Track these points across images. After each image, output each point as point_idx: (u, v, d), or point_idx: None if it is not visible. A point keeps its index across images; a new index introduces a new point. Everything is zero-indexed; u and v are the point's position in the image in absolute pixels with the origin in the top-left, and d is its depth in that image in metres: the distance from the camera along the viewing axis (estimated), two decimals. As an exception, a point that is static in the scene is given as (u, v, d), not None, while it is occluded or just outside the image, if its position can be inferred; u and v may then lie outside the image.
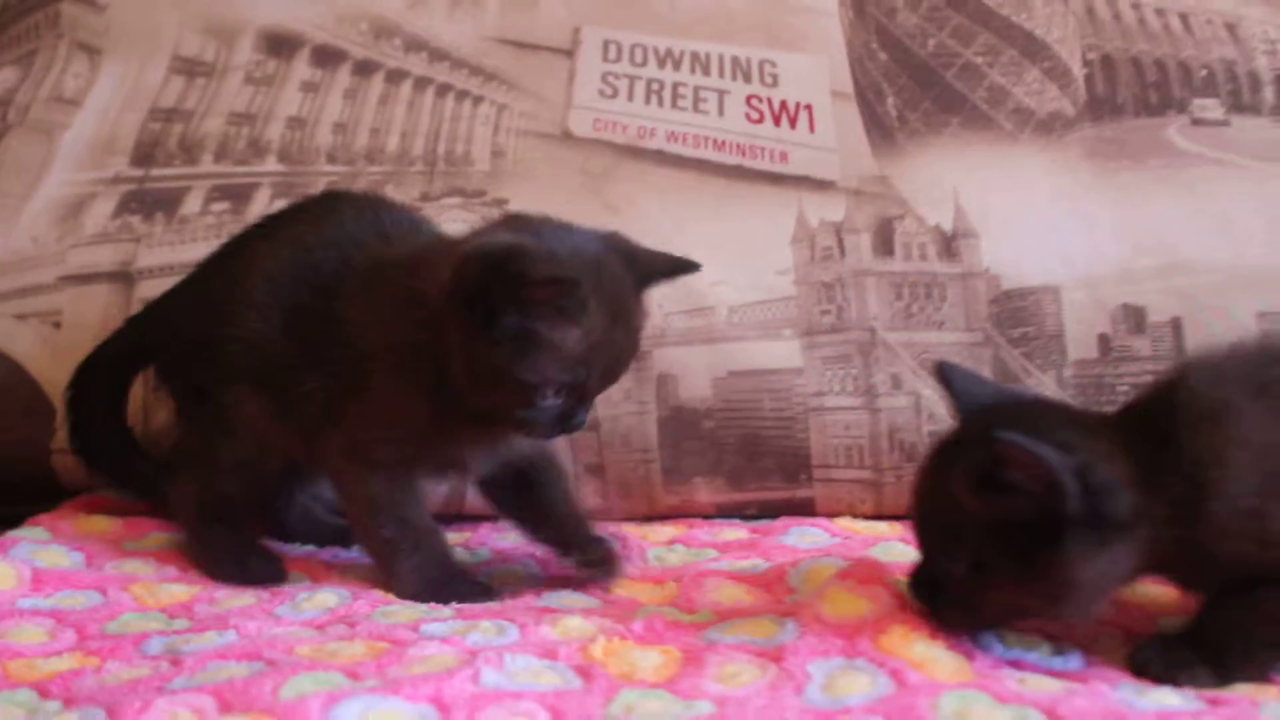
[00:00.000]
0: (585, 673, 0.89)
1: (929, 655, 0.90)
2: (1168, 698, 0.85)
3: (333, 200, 1.22)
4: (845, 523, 1.29)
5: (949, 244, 1.35)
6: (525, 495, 1.15)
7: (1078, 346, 1.31)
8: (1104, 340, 1.31)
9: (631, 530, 1.29)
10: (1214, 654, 0.89)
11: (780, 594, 1.08)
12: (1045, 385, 1.30)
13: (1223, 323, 1.29)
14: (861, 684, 0.86)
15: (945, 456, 0.94)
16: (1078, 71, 1.46)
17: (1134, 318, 1.31)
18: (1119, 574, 0.90)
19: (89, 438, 1.26)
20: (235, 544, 1.18)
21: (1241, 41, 1.49)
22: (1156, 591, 0.98)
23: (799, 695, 0.85)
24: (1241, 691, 0.87)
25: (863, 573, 1.00)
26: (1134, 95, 1.45)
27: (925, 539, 0.94)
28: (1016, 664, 0.92)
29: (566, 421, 1.05)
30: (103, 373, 1.26)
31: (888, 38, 1.50)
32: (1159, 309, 1.31)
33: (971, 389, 0.97)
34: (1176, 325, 1.31)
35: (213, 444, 1.17)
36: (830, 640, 0.92)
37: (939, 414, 1.30)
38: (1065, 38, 1.49)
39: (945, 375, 0.98)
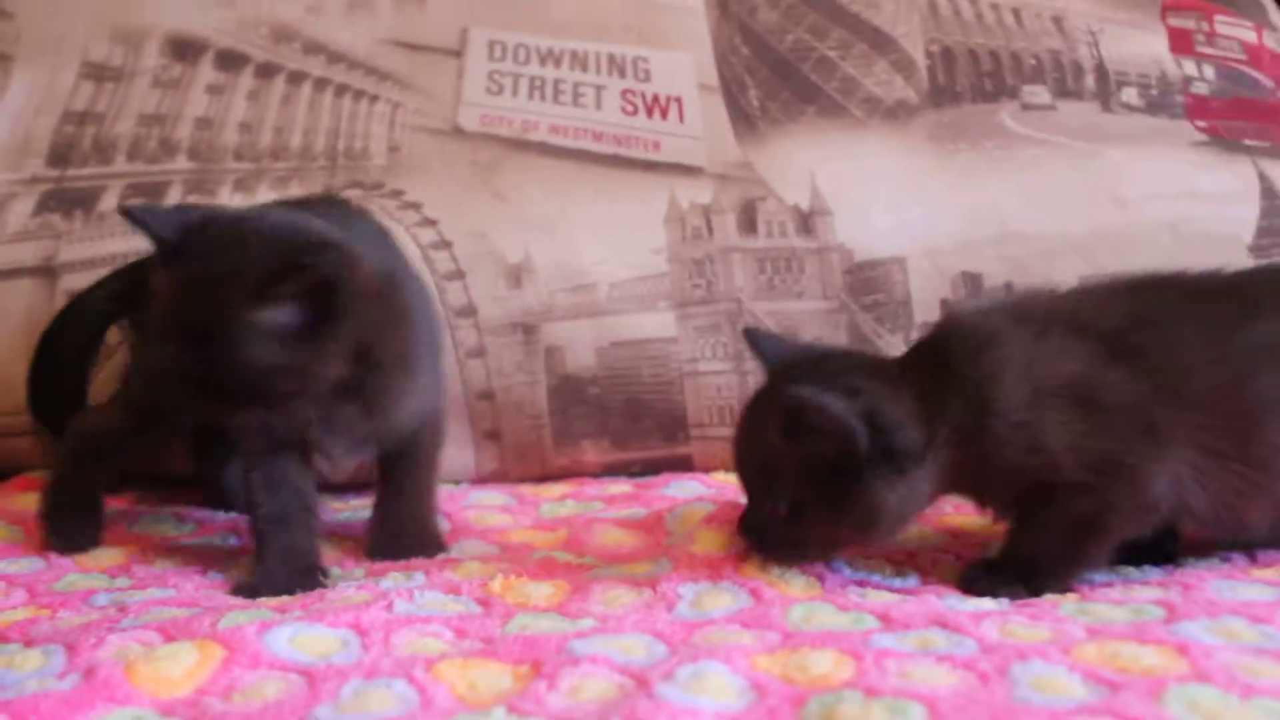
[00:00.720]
0: (485, 603, 1.02)
1: (784, 578, 1.04)
2: (985, 604, 0.99)
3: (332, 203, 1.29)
4: (720, 476, 1.43)
5: (806, 221, 1.49)
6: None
7: (923, 310, 1.46)
8: (946, 304, 1.46)
9: (527, 489, 1.42)
10: (1025, 570, 1.03)
11: (659, 536, 1.21)
12: (895, 346, 1.44)
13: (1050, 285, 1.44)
14: (724, 600, 1.00)
15: (757, 410, 1.06)
16: (921, 63, 1.61)
17: (972, 283, 1.46)
18: (919, 498, 1.03)
19: (48, 387, 1.34)
20: (74, 499, 1.24)
21: (1067, 34, 1.64)
22: (984, 523, 1.12)
23: (670, 611, 0.98)
24: (1048, 597, 1.01)
25: (727, 515, 1.15)
26: (971, 84, 1.60)
27: (748, 486, 1.07)
28: (861, 583, 1.06)
29: None
30: (80, 318, 1.34)
31: (750, 34, 1.63)
32: (993, 274, 1.46)
33: (774, 348, 1.10)
34: (1009, 288, 1.45)
35: (130, 385, 1.25)
36: (699, 569, 1.06)
37: (800, 375, 1.44)
38: (910, 32, 1.63)
39: (751, 339, 1.11)
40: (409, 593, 1.02)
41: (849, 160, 1.53)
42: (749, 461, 1.06)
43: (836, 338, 1.45)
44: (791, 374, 1.04)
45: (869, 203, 1.50)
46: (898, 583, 1.06)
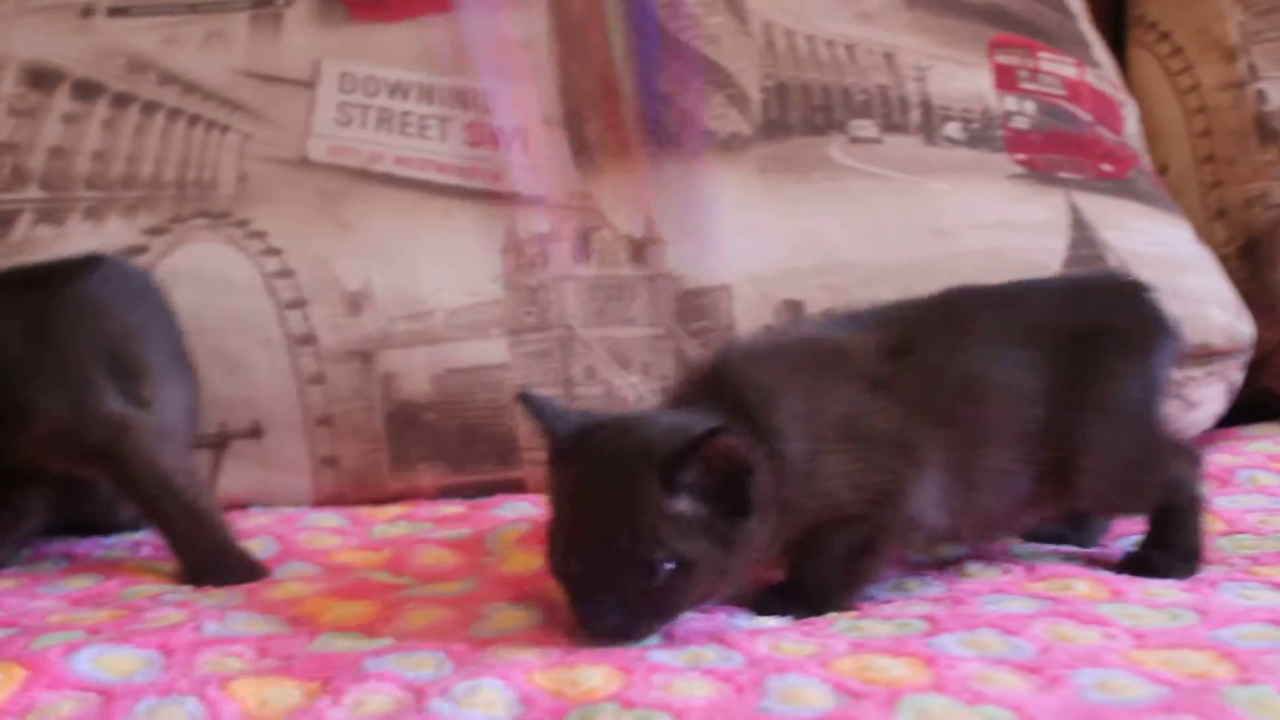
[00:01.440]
0: (296, 622, 1.06)
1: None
2: (769, 621, 1.05)
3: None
4: (551, 497, 1.48)
5: (639, 250, 1.55)
6: None
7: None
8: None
9: (363, 511, 1.47)
10: (811, 593, 1.08)
11: (479, 556, 1.26)
12: (720, 371, 1.50)
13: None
14: (520, 618, 1.05)
15: (611, 477, 0.98)
16: (756, 97, 1.67)
17: (794, 310, 1.52)
18: (769, 540, 1.04)
19: None
20: None
21: (896, 70, 1.71)
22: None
23: (467, 629, 1.03)
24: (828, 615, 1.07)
25: (540, 536, 1.20)
26: (802, 117, 1.66)
27: (594, 575, 0.97)
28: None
29: None
30: None
31: (591, 68, 1.69)
32: (815, 302, 1.52)
33: (560, 414, 1.04)
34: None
35: None
36: (504, 588, 1.11)
37: (627, 399, 1.50)
38: (747, 68, 1.69)
39: (534, 406, 1.03)
40: (221, 613, 1.07)
41: (682, 191, 1.59)
42: (610, 536, 0.96)
43: (663, 364, 1.51)
44: (608, 435, 1.01)
45: (700, 233, 1.56)
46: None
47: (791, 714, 0.83)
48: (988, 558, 1.20)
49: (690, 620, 1.03)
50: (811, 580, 1.09)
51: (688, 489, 0.97)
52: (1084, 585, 1.10)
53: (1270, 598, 1.06)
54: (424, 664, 0.94)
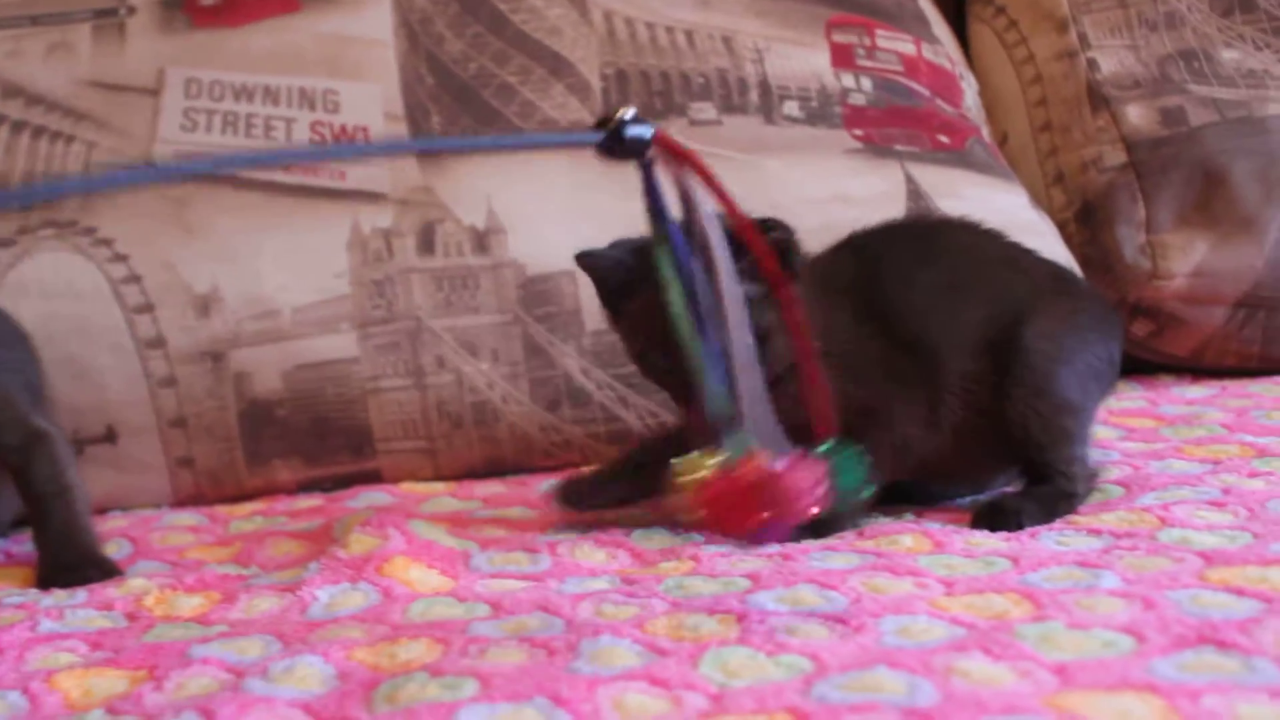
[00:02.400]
0: (133, 616, 1.08)
1: (420, 577, 1.11)
2: (593, 585, 1.07)
3: None
4: (407, 486, 1.50)
5: (482, 240, 1.57)
6: None
7: (592, 319, 1.54)
8: (614, 312, 1.54)
9: (220, 509, 1.48)
10: None
11: (325, 544, 1.27)
12: (568, 354, 1.53)
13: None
14: (356, 600, 1.07)
15: None
16: (596, 85, 1.70)
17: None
18: None
19: None
20: None
21: (735, 53, 1.75)
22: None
23: (303, 613, 1.05)
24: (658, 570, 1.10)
25: (381, 520, 1.22)
26: (642, 103, 1.69)
27: None
28: (499, 575, 1.14)
29: None
30: None
31: (436, 63, 1.71)
32: (658, 282, 1.55)
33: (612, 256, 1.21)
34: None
35: None
36: (342, 571, 1.13)
37: (478, 387, 1.52)
38: (587, 56, 1.72)
39: (589, 261, 1.21)
40: (60, 610, 1.08)
41: (524, 180, 1.61)
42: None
43: (512, 349, 1.53)
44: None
45: (541, 220, 1.58)
46: (532, 568, 1.14)
47: (596, 673, 0.85)
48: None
49: (525, 590, 1.06)
50: None
51: (745, 275, 1.03)
52: (909, 540, 1.13)
53: (1084, 543, 1.10)
54: (250, 648, 0.96)
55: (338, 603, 1.07)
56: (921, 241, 1.24)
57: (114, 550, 1.32)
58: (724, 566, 1.09)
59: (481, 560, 1.17)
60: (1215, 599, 0.92)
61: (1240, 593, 0.93)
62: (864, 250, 1.23)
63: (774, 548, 1.14)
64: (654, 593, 1.02)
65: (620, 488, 1.28)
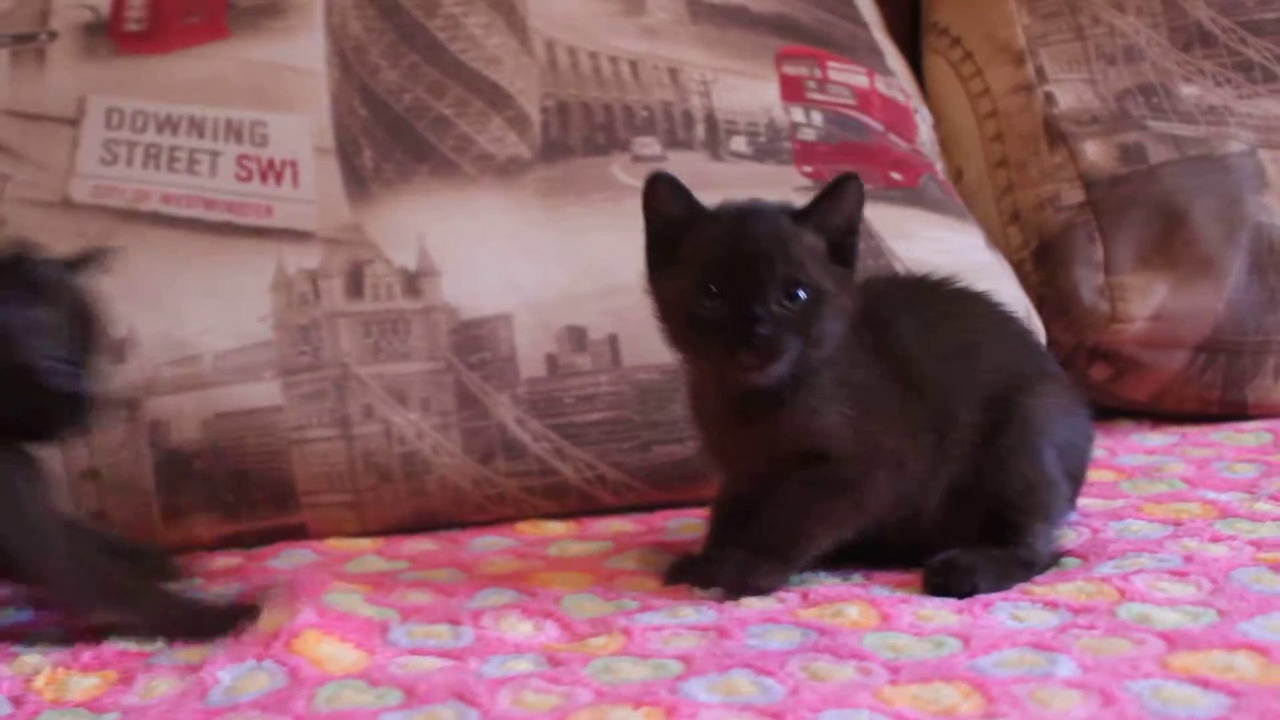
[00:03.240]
0: (18, 700, 1.00)
1: (331, 653, 1.04)
2: (517, 667, 1.00)
3: None
4: (332, 542, 1.43)
5: (413, 283, 1.50)
6: None
7: (529, 366, 1.47)
8: (551, 359, 1.48)
9: (134, 568, 1.40)
10: (755, 538, 1.16)
11: (240, 612, 1.20)
12: (502, 404, 1.46)
13: (651, 336, 1.47)
14: (260, 682, 1.00)
15: (756, 220, 1.14)
16: (536, 118, 1.63)
17: (576, 337, 1.48)
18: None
19: None
20: None
21: (680, 85, 1.68)
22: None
23: (203, 699, 0.98)
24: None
25: (297, 590, 1.15)
26: (584, 137, 1.62)
27: (758, 290, 1.09)
28: (417, 651, 1.07)
29: None
30: None
31: (369, 95, 1.63)
32: (598, 328, 1.48)
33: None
34: (613, 341, 1.48)
35: None
36: (249, 648, 1.05)
37: (408, 437, 1.45)
38: (527, 88, 1.65)
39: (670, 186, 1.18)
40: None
41: (459, 219, 1.54)
42: (749, 272, 1.10)
43: (444, 398, 1.46)
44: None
45: (476, 261, 1.51)
46: (451, 643, 1.07)
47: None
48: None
49: (441, 670, 0.99)
50: (779, 517, 1.15)
51: (816, 224, 1.13)
52: (855, 611, 1.07)
53: (1040, 618, 1.04)
54: (141, 741, 0.88)
55: (241, 686, 1.00)
56: (943, 298, 1.26)
57: (11, 616, 1.24)
58: (656, 644, 1.03)
59: (400, 633, 1.10)
60: (1178, 692, 0.86)
61: (1205, 684, 0.87)
62: (884, 295, 1.23)
63: (710, 618, 1.08)
64: (579, 678, 0.96)
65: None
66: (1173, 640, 0.96)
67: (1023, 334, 1.30)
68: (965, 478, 1.17)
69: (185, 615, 1.15)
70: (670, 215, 1.17)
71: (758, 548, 1.15)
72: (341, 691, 0.97)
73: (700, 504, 1.40)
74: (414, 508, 1.46)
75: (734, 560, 1.15)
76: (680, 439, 1.46)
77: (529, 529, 1.45)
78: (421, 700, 0.93)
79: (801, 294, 1.10)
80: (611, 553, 1.33)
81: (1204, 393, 1.72)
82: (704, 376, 1.19)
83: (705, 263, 1.12)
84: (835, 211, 1.14)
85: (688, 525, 1.41)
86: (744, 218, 1.15)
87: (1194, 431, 1.67)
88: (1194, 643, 0.95)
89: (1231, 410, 1.72)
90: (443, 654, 1.05)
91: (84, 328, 1.18)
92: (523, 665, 1.01)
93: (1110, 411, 1.75)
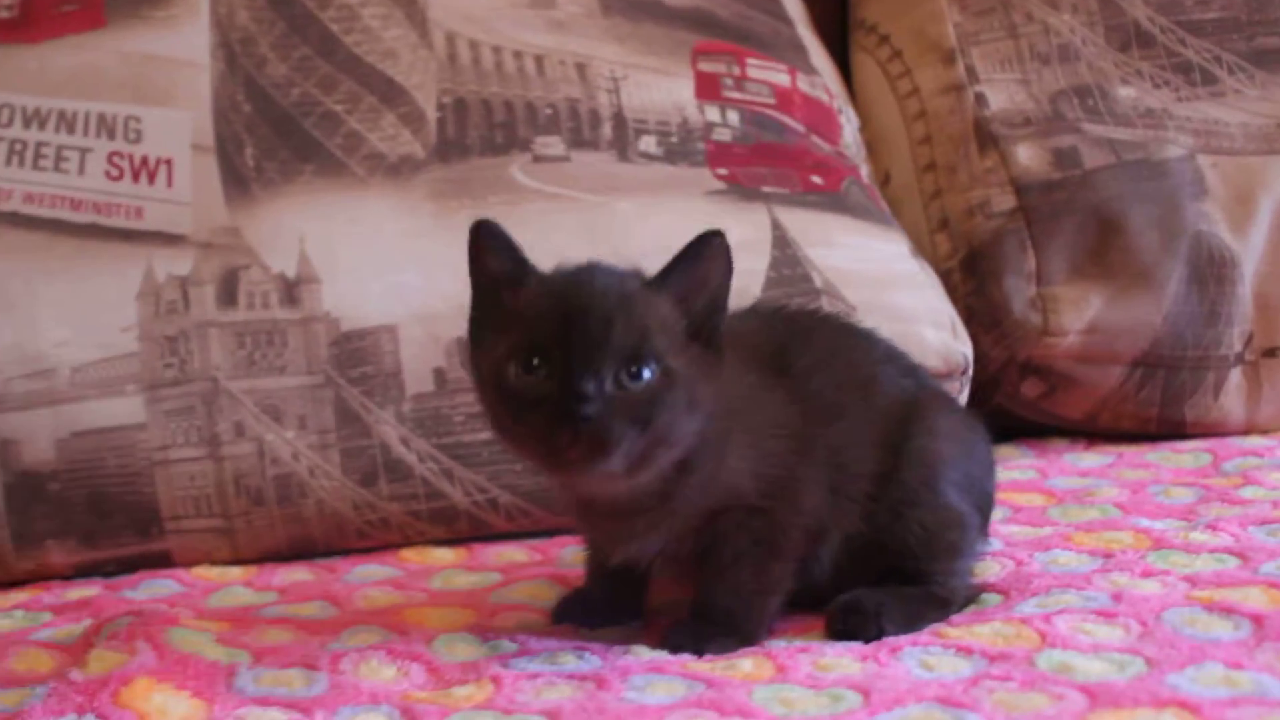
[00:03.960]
0: None
1: (163, 705, 0.93)
2: (369, 718, 0.90)
3: None
4: (200, 570, 1.32)
5: (292, 291, 1.39)
6: None
7: (415, 381, 1.37)
8: (440, 374, 1.37)
9: (-22, 599, 1.28)
10: (714, 616, 1.03)
11: (78, 655, 1.08)
12: (385, 421, 1.35)
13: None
14: (86, 732, 0.89)
15: (602, 279, 0.96)
16: (432, 115, 1.52)
17: (464, 351, 1.37)
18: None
19: None
20: None
21: (589, 81, 1.58)
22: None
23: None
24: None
25: (132, 629, 1.03)
26: (482, 136, 1.51)
27: (594, 361, 0.92)
28: (262, 701, 0.96)
29: None
30: None
31: (254, 89, 1.52)
32: (490, 341, 1.38)
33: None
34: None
35: None
36: (71, 699, 0.94)
37: (282, 457, 1.34)
38: (424, 83, 1.54)
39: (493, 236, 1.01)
40: None
41: (344, 223, 1.43)
42: (585, 342, 0.92)
43: (322, 415, 1.35)
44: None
45: (361, 268, 1.40)
46: (299, 692, 0.96)
47: None
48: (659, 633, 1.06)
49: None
50: (719, 594, 1.03)
51: (674, 293, 0.96)
52: (749, 664, 0.97)
53: (951, 666, 0.94)
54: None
55: (62, 737, 0.88)
56: (824, 329, 1.14)
57: None
58: (526, 696, 0.93)
59: (248, 679, 0.99)
60: (1098, 762, 0.76)
61: (1128, 752, 0.77)
62: (774, 323, 1.12)
63: (592, 666, 0.98)
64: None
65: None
66: (1095, 695, 0.86)
67: (911, 364, 1.17)
68: (862, 526, 1.07)
69: None
70: (495, 272, 1.00)
71: (709, 624, 1.03)
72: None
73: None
74: (290, 534, 1.35)
75: (688, 631, 1.02)
76: (579, 460, 1.36)
77: (414, 557, 1.34)
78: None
79: (646, 372, 0.93)
80: (498, 585, 1.23)
81: (1141, 410, 1.63)
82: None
83: (528, 326, 0.95)
84: (696, 276, 0.96)
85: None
86: (582, 275, 0.98)
87: (1130, 451, 1.59)
88: (1118, 699, 0.85)
89: (1170, 428, 1.64)
90: (289, 705, 0.94)
91: None
92: (374, 719, 0.90)
93: (1043, 429, 1.66)
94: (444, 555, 1.34)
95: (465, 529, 1.37)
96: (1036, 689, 0.88)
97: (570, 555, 1.30)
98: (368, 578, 1.28)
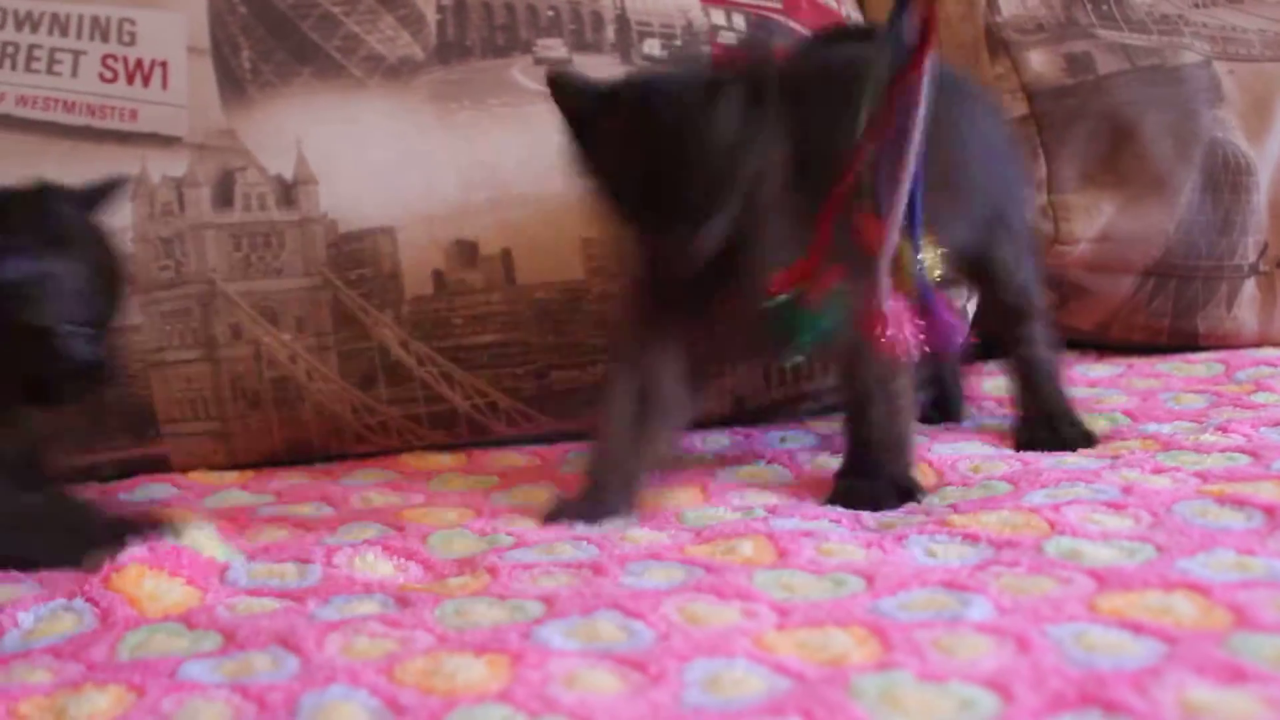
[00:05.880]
0: None
1: (155, 590, 0.92)
2: (361, 605, 0.88)
3: None
4: (197, 475, 1.31)
5: (289, 192, 1.36)
6: None
7: (414, 283, 1.34)
8: (438, 276, 1.35)
9: None
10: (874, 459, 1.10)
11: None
12: (384, 323, 1.33)
13: (549, 251, 1.35)
14: (64, 625, 0.87)
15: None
16: (431, 17, 1.49)
17: (467, 252, 1.35)
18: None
19: None
20: None
21: (591, -16, 1.54)
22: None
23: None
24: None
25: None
26: (482, 38, 1.48)
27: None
28: (255, 591, 0.94)
29: None
30: None
31: (249, -12, 1.49)
32: (490, 242, 1.36)
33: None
34: (506, 256, 1.35)
35: None
36: (61, 585, 0.93)
37: (279, 360, 1.32)
38: (424, -15, 1.51)
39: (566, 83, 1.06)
40: None
41: (342, 124, 1.40)
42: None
43: (320, 317, 1.33)
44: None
45: (359, 169, 1.38)
46: (293, 583, 0.95)
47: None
48: (659, 522, 1.05)
49: (262, 616, 0.86)
50: (866, 443, 1.10)
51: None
52: (749, 547, 0.95)
53: (957, 553, 0.92)
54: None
55: (41, 629, 0.87)
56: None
57: None
58: (522, 584, 0.91)
59: (241, 572, 0.97)
60: (1105, 638, 0.74)
61: (1137, 629, 0.75)
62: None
63: (590, 555, 0.96)
64: (422, 621, 0.83)
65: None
66: (1104, 579, 0.84)
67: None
68: None
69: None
70: (575, 112, 1.04)
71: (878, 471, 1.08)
72: (152, 636, 0.84)
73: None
74: (287, 438, 1.33)
75: (877, 485, 1.08)
76: (581, 363, 1.35)
77: (412, 461, 1.32)
78: (239, 646, 0.81)
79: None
80: (496, 489, 1.21)
81: (1153, 321, 1.61)
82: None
83: (608, 179, 1.03)
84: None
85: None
86: (643, 119, 1.01)
87: (1141, 363, 1.56)
88: (1127, 582, 0.82)
89: (1182, 340, 1.61)
90: (281, 594, 0.92)
91: (106, 284, 1.06)
92: (366, 607, 0.88)
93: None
94: (442, 460, 1.32)
95: (465, 433, 1.35)
96: (1043, 573, 0.86)
97: (573, 458, 1.28)
98: (365, 480, 1.26)
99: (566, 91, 1.05)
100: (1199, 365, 1.53)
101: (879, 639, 0.75)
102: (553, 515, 1.07)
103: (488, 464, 1.30)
